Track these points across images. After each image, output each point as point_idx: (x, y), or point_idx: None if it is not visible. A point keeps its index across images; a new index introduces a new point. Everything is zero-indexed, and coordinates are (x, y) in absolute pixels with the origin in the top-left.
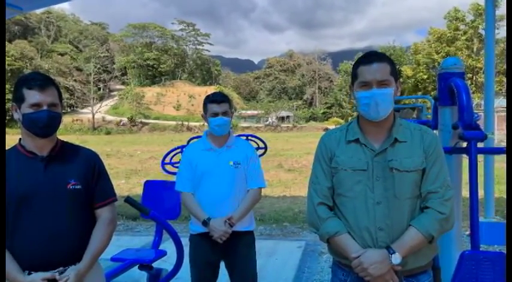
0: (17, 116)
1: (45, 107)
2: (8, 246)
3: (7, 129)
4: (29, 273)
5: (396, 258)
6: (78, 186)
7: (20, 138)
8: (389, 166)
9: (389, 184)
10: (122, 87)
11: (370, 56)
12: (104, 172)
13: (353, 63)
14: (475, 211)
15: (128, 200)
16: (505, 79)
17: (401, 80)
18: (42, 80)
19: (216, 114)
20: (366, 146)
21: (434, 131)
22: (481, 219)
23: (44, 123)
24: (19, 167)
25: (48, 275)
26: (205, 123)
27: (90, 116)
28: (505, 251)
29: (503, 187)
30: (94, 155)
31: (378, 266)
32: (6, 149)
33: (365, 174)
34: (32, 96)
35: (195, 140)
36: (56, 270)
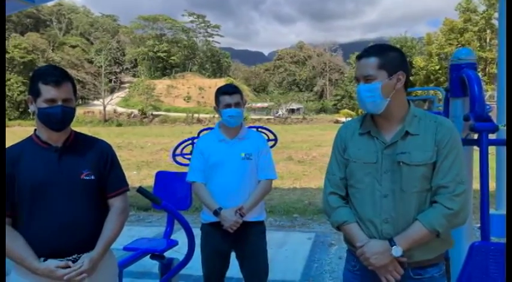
0: (32, 108)
1: (59, 103)
2: (24, 234)
3: (21, 121)
4: (44, 260)
5: (397, 251)
6: (92, 177)
7: (35, 129)
8: (397, 160)
9: (397, 177)
10: (133, 79)
11: (362, 52)
12: (117, 162)
13: None
14: (485, 202)
15: (140, 190)
16: None
17: (413, 71)
18: (58, 76)
19: (228, 106)
20: (378, 139)
21: None
22: (493, 211)
23: (58, 119)
24: (34, 158)
25: (62, 262)
26: (216, 115)
27: (101, 108)
28: None
29: None
30: (107, 146)
31: (379, 256)
32: (21, 140)
33: (374, 167)
34: (48, 91)
35: (205, 131)
36: (69, 258)
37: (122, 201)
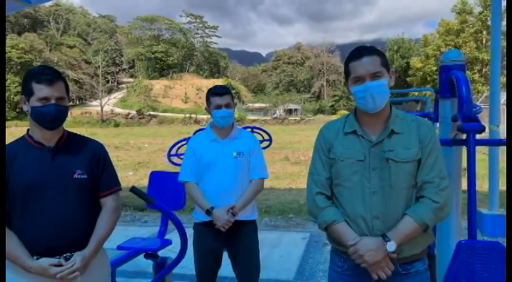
0: (26, 108)
1: (53, 101)
2: (17, 233)
3: (18, 122)
4: (37, 259)
5: (391, 246)
6: (84, 176)
7: (28, 129)
8: (386, 157)
9: (386, 174)
10: (130, 80)
11: (360, 51)
12: (109, 162)
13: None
14: (473, 202)
15: (133, 190)
16: None
17: (410, 72)
18: (50, 75)
19: (219, 107)
20: (363, 137)
21: (436, 123)
22: (486, 211)
23: (52, 117)
24: (27, 157)
25: (55, 261)
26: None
27: (99, 108)
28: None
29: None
30: (99, 146)
31: (374, 253)
32: (14, 139)
33: (362, 165)
34: (41, 90)
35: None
36: (62, 256)
37: (114, 200)
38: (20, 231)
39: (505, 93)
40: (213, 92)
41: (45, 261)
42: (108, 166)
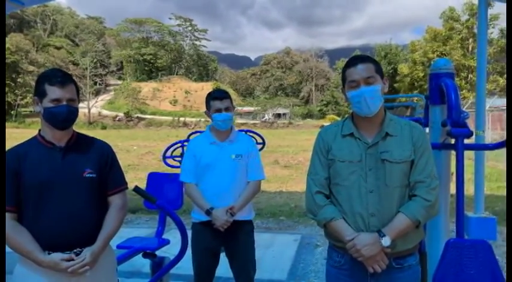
0: (38, 109)
1: (64, 102)
2: (29, 229)
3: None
4: (49, 254)
5: (386, 241)
6: (93, 175)
7: (40, 130)
8: (381, 158)
9: (381, 174)
10: (118, 82)
11: (355, 59)
12: (116, 162)
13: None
14: (461, 203)
15: (136, 189)
16: (499, 78)
17: (397, 78)
18: (62, 77)
19: (219, 110)
20: (360, 140)
21: (426, 128)
22: (471, 214)
23: (63, 117)
24: (39, 157)
25: (66, 255)
26: (202, 119)
27: (86, 110)
28: (492, 245)
29: (494, 185)
30: (107, 146)
31: (370, 247)
32: (26, 140)
33: (359, 165)
34: (53, 92)
35: (194, 135)
36: (73, 251)
37: (121, 198)
38: (32, 227)
39: (490, 100)
40: (214, 96)
41: (56, 256)
42: (115, 166)
